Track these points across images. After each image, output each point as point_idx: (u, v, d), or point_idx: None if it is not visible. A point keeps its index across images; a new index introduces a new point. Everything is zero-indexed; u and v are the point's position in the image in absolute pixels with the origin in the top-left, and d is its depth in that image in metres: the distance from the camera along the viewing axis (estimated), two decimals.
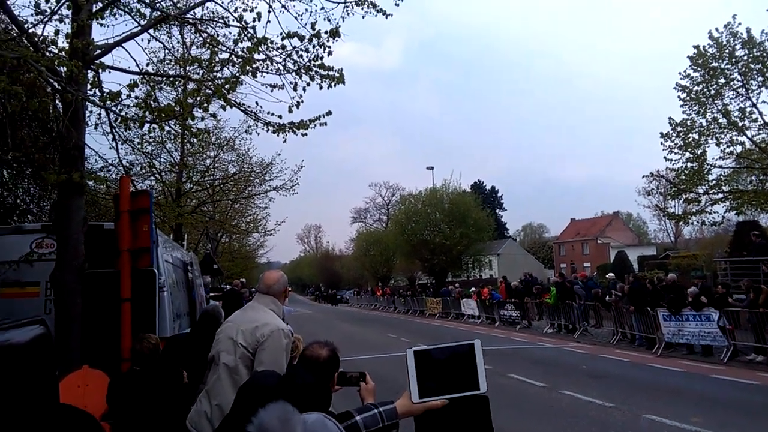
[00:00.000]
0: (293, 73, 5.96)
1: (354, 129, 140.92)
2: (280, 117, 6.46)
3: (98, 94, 5.71)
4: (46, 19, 5.69)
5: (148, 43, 8.10)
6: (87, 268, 6.19)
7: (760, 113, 15.85)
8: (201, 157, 17.58)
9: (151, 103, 5.53)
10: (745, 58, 15.64)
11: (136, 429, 4.28)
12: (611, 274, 21.96)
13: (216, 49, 5.86)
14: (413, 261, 46.72)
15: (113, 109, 5.53)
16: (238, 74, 5.53)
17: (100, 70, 6.28)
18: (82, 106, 5.55)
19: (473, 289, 29.33)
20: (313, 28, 5.98)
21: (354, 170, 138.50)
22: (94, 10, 5.70)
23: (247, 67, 5.49)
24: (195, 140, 13.32)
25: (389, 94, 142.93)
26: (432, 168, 44.05)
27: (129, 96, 5.34)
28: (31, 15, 5.75)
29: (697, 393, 9.65)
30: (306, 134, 6.81)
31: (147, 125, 6.08)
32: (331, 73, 6.13)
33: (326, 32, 5.86)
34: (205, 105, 5.95)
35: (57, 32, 5.36)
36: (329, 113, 7.07)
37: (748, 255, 17.54)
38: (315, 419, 1.69)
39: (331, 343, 2.61)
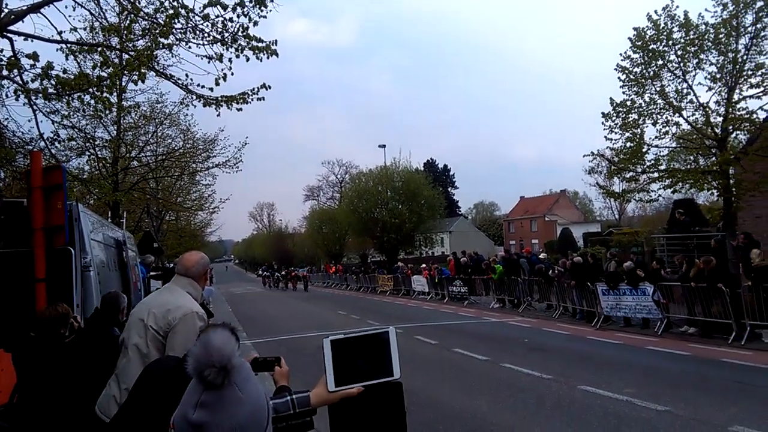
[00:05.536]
0: (219, 44, 5.67)
1: (308, 107, 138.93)
2: (211, 90, 6.19)
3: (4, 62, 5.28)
4: None
5: (74, 10, 7.58)
6: (3, 247, 5.85)
7: (695, 95, 16.42)
8: (140, 132, 16.87)
9: (58, 74, 5.13)
10: (682, 40, 16.09)
11: (33, 397, 4.09)
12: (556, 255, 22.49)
13: (137, 17, 5.49)
14: (365, 238, 46.84)
15: (16, 79, 5.13)
16: (155, 43, 5.21)
17: (14, 38, 5.85)
18: None
19: (423, 265, 29.66)
20: None
21: (308, 148, 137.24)
22: None
23: (169, 37, 5.17)
24: (132, 114, 12.74)
25: (343, 72, 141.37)
26: (384, 146, 43.71)
27: (33, 66, 4.94)
28: None
29: (632, 364, 10.01)
30: (240, 109, 6.58)
31: (66, 97, 5.71)
32: (261, 44, 5.88)
33: (251, 1, 5.60)
34: (116, 77, 5.60)
35: None
36: (267, 87, 6.85)
37: (678, 232, 18.33)
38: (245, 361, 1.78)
39: (228, 324, 2.53)
